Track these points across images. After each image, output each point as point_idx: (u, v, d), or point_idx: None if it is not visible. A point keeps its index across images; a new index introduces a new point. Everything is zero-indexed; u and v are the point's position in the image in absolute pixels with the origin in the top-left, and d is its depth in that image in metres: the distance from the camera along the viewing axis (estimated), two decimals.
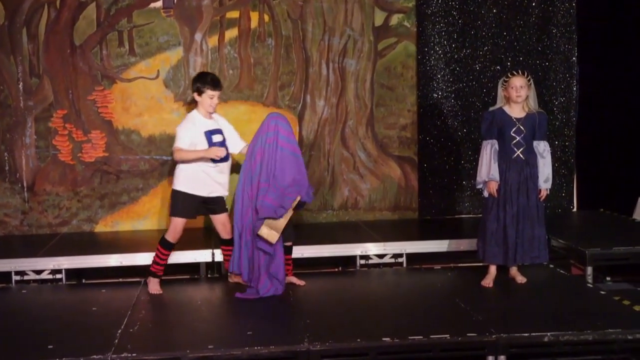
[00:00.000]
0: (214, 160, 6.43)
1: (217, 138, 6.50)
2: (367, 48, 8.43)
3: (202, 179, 6.47)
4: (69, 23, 8.02)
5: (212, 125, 6.53)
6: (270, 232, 6.23)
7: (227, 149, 6.55)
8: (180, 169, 6.48)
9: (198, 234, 7.69)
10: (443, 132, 8.58)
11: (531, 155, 6.45)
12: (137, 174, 8.20)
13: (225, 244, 6.76)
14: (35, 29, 8.00)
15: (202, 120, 6.51)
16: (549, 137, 8.52)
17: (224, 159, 6.50)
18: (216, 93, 6.52)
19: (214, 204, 6.61)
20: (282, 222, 6.24)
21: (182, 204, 6.48)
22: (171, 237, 6.49)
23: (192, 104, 7.04)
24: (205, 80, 6.52)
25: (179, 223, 6.49)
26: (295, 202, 6.29)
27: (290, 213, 6.30)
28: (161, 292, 6.47)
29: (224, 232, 6.70)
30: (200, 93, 6.50)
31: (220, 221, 6.69)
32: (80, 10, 8.02)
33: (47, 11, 7.99)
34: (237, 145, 6.69)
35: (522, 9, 8.60)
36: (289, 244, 6.61)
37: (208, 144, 6.43)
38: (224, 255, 6.83)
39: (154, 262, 6.54)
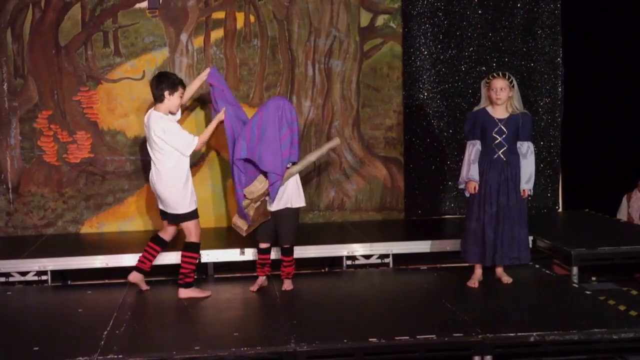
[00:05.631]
0: None
1: None
2: (353, 49, 8.44)
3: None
4: (54, 23, 7.99)
5: None
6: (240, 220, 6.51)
7: None
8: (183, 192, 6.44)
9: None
10: (429, 133, 8.60)
11: (513, 156, 6.46)
12: (122, 175, 8.17)
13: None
14: (19, 29, 7.97)
15: None
16: (534, 137, 8.57)
17: None
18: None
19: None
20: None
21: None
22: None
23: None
24: (175, 80, 6.49)
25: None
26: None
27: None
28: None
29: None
30: (172, 92, 6.44)
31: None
32: (65, 11, 7.99)
33: (32, 12, 7.96)
34: None
35: (507, 10, 8.64)
36: (286, 246, 6.62)
37: None
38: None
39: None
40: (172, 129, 6.34)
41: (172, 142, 6.31)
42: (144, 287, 6.67)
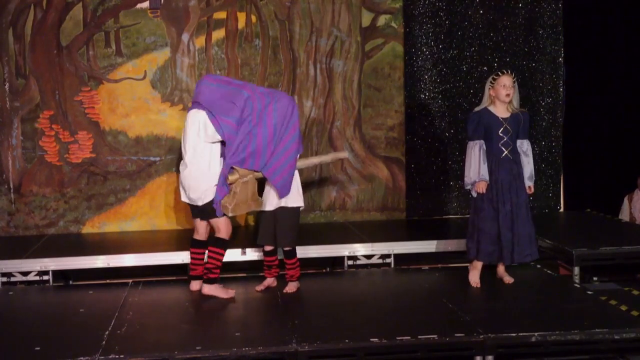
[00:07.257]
0: None
1: None
2: (355, 49, 8.44)
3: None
4: (56, 23, 7.99)
5: None
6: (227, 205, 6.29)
7: None
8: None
9: (187, 234, 7.66)
10: (430, 133, 8.60)
11: (516, 154, 6.50)
12: (124, 175, 8.18)
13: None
14: (21, 29, 7.97)
15: None
16: (536, 137, 8.60)
17: None
18: None
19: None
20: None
21: None
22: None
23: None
24: None
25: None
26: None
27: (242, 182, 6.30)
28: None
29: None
30: None
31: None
32: (67, 11, 8.00)
33: (34, 12, 7.97)
34: None
35: (508, 10, 8.64)
36: (286, 248, 6.56)
37: None
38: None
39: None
40: None
41: None
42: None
